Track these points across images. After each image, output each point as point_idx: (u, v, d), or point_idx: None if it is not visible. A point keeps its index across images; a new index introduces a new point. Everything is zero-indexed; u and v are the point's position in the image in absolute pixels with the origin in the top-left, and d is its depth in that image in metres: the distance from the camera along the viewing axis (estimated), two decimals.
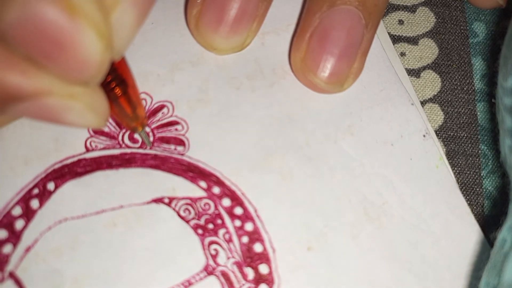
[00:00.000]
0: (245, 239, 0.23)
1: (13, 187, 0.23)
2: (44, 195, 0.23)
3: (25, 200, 0.23)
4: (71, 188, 0.23)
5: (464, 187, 0.25)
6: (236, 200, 0.24)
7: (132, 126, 0.23)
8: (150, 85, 0.25)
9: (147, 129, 0.24)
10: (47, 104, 0.18)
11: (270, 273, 0.23)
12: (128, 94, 0.22)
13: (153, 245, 0.23)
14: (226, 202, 0.24)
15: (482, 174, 0.25)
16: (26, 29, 0.16)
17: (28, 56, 0.17)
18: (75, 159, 0.24)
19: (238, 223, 0.23)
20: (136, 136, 0.24)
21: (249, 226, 0.23)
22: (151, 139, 0.24)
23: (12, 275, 0.22)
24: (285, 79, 0.26)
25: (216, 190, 0.24)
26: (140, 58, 0.26)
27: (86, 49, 0.17)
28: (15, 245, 0.22)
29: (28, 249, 0.22)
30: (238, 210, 0.23)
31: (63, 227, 0.23)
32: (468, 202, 0.25)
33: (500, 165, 0.25)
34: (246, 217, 0.23)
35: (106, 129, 0.24)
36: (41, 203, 0.23)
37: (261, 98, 0.25)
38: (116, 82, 0.21)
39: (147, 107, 0.25)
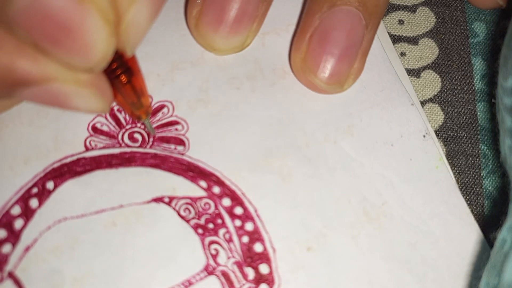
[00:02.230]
0: (245, 239, 0.23)
1: (12, 186, 0.23)
2: (43, 194, 0.23)
3: (24, 199, 0.23)
4: (70, 187, 0.23)
5: (464, 187, 0.25)
6: (236, 200, 0.23)
7: (137, 114, 0.23)
8: (150, 85, 0.25)
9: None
10: (54, 89, 0.19)
11: (271, 273, 0.23)
12: (133, 82, 0.22)
13: (153, 245, 0.23)
14: (226, 202, 0.23)
15: (482, 174, 0.25)
16: (34, 15, 0.16)
17: (36, 43, 0.17)
18: (75, 158, 0.24)
19: (238, 223, 0.23)
20: (136, 135, 0.24)
21: (249, 226, 0.23)
22: (151, 139, 0.24)
23: (11, 275, 0.22)
24: (285, 79, 0.26)
25: (216, 189, 0.24)
26: (140, 58, 0.25)
27: (92, 35, 0.17)
28: (14, 244, 0.22)
29: (27, 249, 0.22)
30: (238, 210, 0.23)
31: (63, 226, 0.23)
32: (468, 202, 0.25)
33: (500, 165, 0.25)
34: (246, 217, 0.23)
35: (105, 129, 0.24)
36: (41, 203, 0.23)
37: (261, 99, 0.25)
38: (122, 69, 0.21)
39: None
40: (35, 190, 0.23)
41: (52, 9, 0.16)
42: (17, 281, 0.22)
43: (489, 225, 0.24)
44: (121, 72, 0.21)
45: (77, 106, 0.20)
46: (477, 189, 0.25)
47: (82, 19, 0.17)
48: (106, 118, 0.24)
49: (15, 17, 0.17)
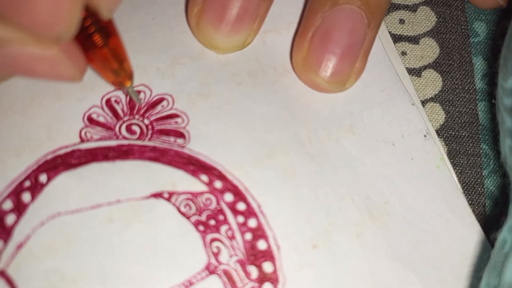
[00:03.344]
0: (248, 236, 0.22)
1: (3, 180, 0.21)
2: (36, 188, 0.22)
3: (16, 193, 0.21)
4: (64, 180, 0.22)
5: (465, 187, 0.25)
6: (239, 195, 0.23)
7: (119, 81, 0.21)
8: (149, 78, 0.24)
9: (146, 121, 0.23)
10: (13, 52, 0.17)
11: (275, 271, 0.22)
12: (111, 45, 0.20)
13: (152, 243, 0.22)
14: (229, 197, 0.23)
15: (483, 174, 0.25)
16: None
17: None
18: (69, 149, 0.22)
19: (241, 219, 0.22)
20: (134, 128, 0.23)
21: (252, 222, 0.22)
22: (150, 132, 0.23)
23: (3, 274, 0.20)
24: (286, 78, 0.25)
25: (218, 184, 0.23)
26: (139, 51, 0.25)
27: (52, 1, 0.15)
28: (6, 241, 0.21)
29: (20, 246, 0.21)
30: (241, 206, 0.23)
31: (57, 222, 0.21)
32: (470, 201, 0.25)
33: (501, 165, 0.25)
34: (250, 213, 0.22)
35: (102, 120, 0.23)
36: (33, 197, 0.21)
37: (263, 95, 0.25)
38: (95, 27, 0.19)
39: (145, 100, 0.24)
40: (27, 183, 0.22)
41: None
42: (9, 281, 0.20)
43: (490, 224, 0.24)
44: (94, 30, 0.19)
45: (45, 72, 0.18)
46: (479, 189, 0.25)
47: None
48: (102, 109, 0.23)
49: None
